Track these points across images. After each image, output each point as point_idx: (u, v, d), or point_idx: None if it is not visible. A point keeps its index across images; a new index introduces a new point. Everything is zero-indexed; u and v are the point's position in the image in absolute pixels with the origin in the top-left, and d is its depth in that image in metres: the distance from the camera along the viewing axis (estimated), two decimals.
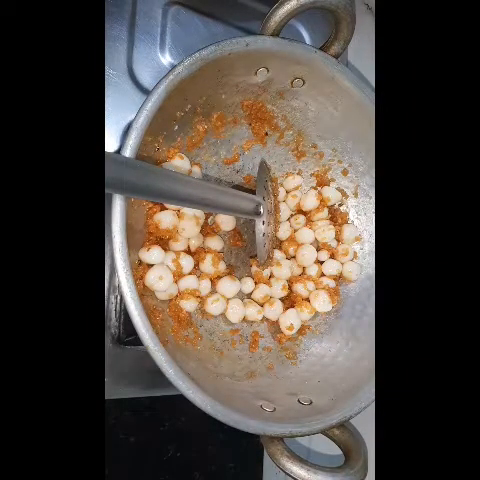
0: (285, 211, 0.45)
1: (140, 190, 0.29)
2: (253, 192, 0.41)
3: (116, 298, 0.42)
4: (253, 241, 0.43)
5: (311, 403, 0.37)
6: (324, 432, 0.35)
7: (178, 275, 0.38)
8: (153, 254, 0.35)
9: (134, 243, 0.34)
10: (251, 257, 0.44)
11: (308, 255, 0.44)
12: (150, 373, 0.42)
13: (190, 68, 0.32)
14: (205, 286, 0.40)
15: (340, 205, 0.46)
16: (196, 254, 0.40)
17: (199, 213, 0.39)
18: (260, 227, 0.41)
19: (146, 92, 0.41)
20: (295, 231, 0.45)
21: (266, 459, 0.61)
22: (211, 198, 0.34)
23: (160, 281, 0.35)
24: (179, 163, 0.37)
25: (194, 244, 0.40)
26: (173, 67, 0.32)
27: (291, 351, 0.43)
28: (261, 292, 0.43)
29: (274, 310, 0.42)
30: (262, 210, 0.40)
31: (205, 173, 0.42)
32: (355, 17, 0.36)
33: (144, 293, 0.35)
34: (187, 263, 0.38)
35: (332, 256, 0.45)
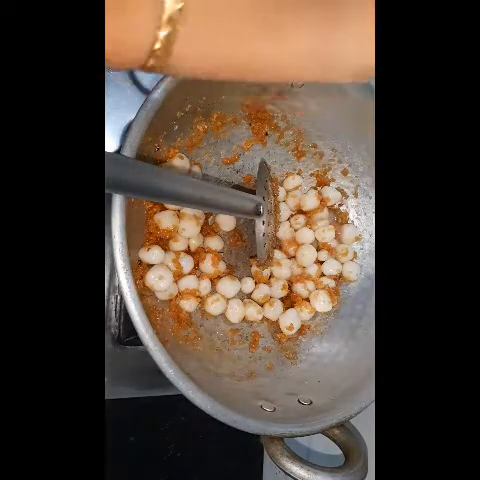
0: (285, 211, 0.45)
1: (140, 190, 0.29)
2: (253, 192, 0.41)
3: (116, 298, 0.42)
4: (253, 241, 0.43)
5: (311, 403, 0.37)
6: (324, 432, 0.35)
7: (178, 275, 0.38)
8: (153, 254, 0.35)
9: (134, 243, 0.34)
10: (251, 257, 0.44)
11: (308, 255, 0.44)
12: (150, 373, 0.42)
13: None
14: (205, 286, 0.40)
15: (340, 205, 0.46)
16: (196, 254, 0.40)
17: (199, 213, 0.39)
18: (260, 227, 0.41)
19: (146, 92, 0.41)
20: (295, 231, 0.45)
21: (266, 459, 0.61)
22: (211, 198, 0.34)
23: (160, 281, 0.35)
24: (179, 163, 0.37)
25: (194, 244, 0.40)
26: None
27: (291, 351, 0.43)
28: (261, 292, 0.43)
29: (274, 310, 0.42)
30: (262, 210, 0.40)
31: (205, 173, 0.42)
32: None
33: (144, 293, 0.35)
34: (187, 263, 0.38)
35: (332, 256, 0.45)
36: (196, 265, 0.40)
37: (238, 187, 0.44)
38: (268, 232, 0.41)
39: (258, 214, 0.40)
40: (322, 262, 0.45)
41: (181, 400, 0.31)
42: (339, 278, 0.45)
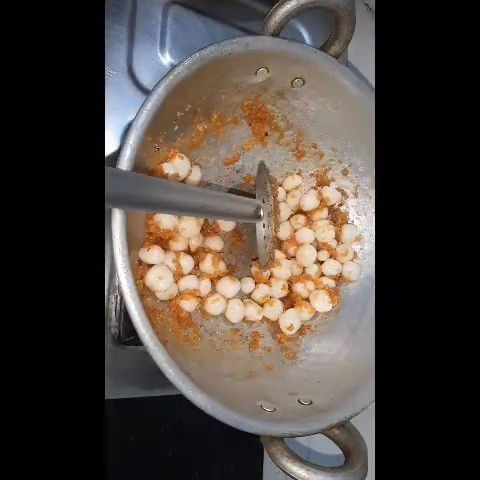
0: (285, 211, 0.45)
1: (136, 203, 0.28)
2: (253, 192, 0.41)
3: (116, 298, 0.42)
4: (253, 241, 0.43)
5: (311, 403, 0.37)
6: (324, 432, 0.35)
7: (178, 275, 0.38)
8: (153, 254, 0.35)
9: (134, 243, 0.34)
10: (253, 260, 0.44)
11: (308, 255, 0.44)
12: (150, 373, 0.42)
13: (190, 68, 0.32)
14: (205, 286, 0.40)
15: (340, 205, 0.46)
16: (196, 254, 0.40)
17: None
18: (261, 230, 0.41)
19: (146, 92, 0.41)
20: (295, 231, 0.45)
21: (266, 459, 0.61)
22: (210, 206, 0.34)
23: (160, 281, 0.35)
24: (179, 163, 0.37)
25: (194, 244, 0.40)
26: (173, 67, 0.32)
27: (291, 351, 0.43)
28: (261, 292, 0.43)
29: (274, 310, 0.42)
30: (262, 213, 0.40)
31: (205, 173, 0.42)
32: (355, 17, 0.36)
33: (144, 293, 0.35)
34: (187, 263, 0.38)
35: (332, 256, 0.45)
36: (196, 265, 0.40)
37: (238, 187, 0.44)
38: (269, 234, 0.41)
39: (258, 217, 0.39)
40: (322, 262, 0.45)
41: (181, 400, 0.31)
42: (339, 278, 0.45)
